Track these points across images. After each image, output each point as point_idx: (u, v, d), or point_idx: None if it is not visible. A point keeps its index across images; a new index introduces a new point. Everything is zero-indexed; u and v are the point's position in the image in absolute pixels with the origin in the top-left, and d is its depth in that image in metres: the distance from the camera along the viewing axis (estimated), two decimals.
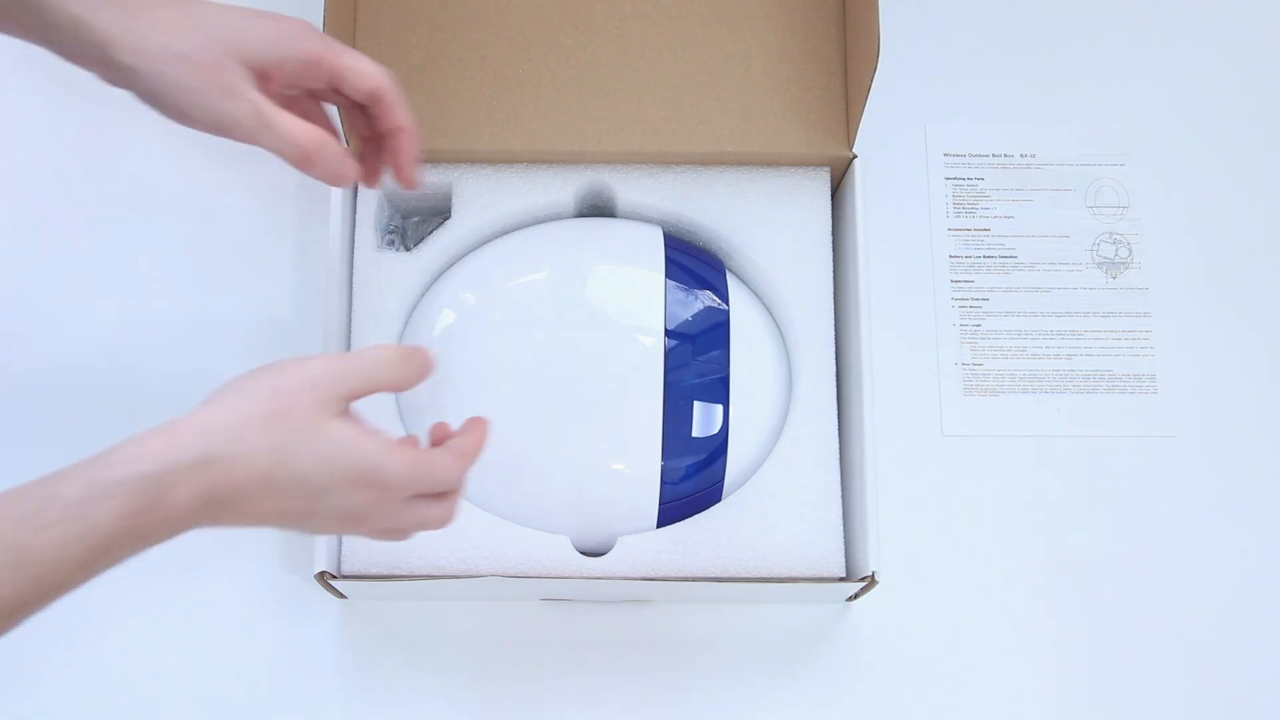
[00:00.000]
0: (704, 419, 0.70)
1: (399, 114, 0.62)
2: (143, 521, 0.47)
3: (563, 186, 0.76)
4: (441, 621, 0.75)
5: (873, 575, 0.67)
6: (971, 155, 0.86)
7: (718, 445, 0.70)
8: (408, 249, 0.76)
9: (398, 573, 0.70)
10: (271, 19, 0.59)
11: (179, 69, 0.55)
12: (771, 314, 0.76)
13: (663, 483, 0.69)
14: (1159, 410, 0.81)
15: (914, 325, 0.82)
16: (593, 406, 0.69)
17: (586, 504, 0.70)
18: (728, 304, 0.72)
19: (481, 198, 0.76)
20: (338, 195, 0.73)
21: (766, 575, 0.71)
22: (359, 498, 0.52)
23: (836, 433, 0.74)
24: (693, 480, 0.70)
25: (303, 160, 0.58)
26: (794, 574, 0.71)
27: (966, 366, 0.81)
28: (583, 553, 0.71)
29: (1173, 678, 0.76)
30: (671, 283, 0.71)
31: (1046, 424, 0.80)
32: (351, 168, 0.60)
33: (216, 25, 0.57)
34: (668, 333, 0.70)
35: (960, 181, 0.85)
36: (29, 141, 0.84)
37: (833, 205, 0.78)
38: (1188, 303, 0.83)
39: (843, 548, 0.72)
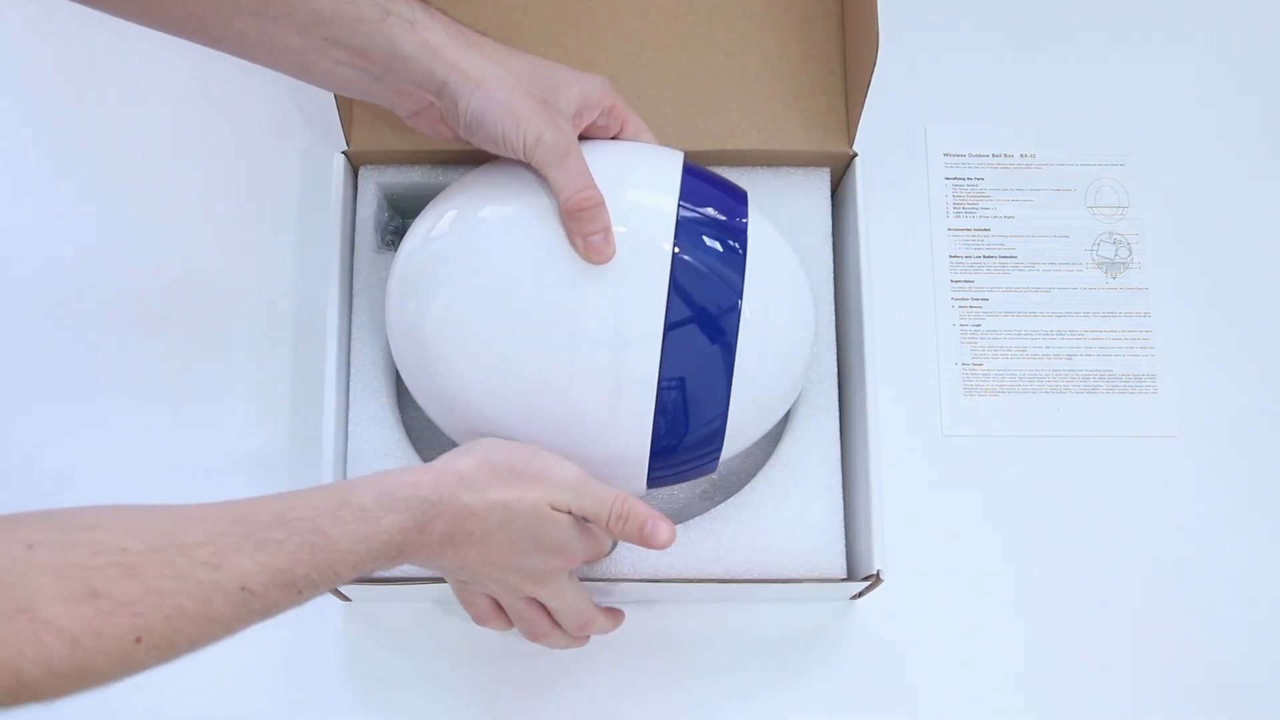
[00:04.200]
0: (707, 347, 0.64)
1: None
2: (412, 540, 0.56)
3: None
4: (445, 624, 0.75)
5: (877, 574, 0.67)
6: (971, 155, 0.86)
7: (721, 374, 0.64)
8: None
9: (401, 575, 0.70)
10: (579, 71, 0.66)
11: (511, 93, 0.62)
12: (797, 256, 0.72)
13: (658, 412, 0.63)
14: (1159, 410, 0.81)
15: (914, 325, 0.82)
16: (590, 325, 0.63)
17: (578, 426, 0.64)
18: (744, 237, 0.66)
19: None
20: (337, 196, 0.73)
21: (769, 575, 0.71)
22: (550, 562, 0.61)
23: (838, 432, 0.74)
24: (693, 416, 0.65)
25: (573, 207, 0.62)
26: (797, 574, 0.71)
27: (966, 366, 0.82)
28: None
29: (1173, 677, 0.76)
30: (685, 206, 0.65)
31: (1046, 424, 0.80)
32: (608, 247, 0.63)
33: (541, 66, 0.65)
34: (675, 256, 0.63)
35: (960, 181, 0.85)
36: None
37: (833, 203, 0.78)
38: (1188, 303, 0.83)
39: (844, 548, 0.72)
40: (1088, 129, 0.86)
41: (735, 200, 0.67)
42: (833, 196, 0.78)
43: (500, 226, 0.65)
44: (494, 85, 0.62)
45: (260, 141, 0.83)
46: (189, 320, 0.80)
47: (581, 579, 0.67)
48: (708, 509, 0.73)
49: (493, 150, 0.64)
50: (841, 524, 0.72)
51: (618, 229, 0.62)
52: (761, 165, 0.77)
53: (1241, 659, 0.76)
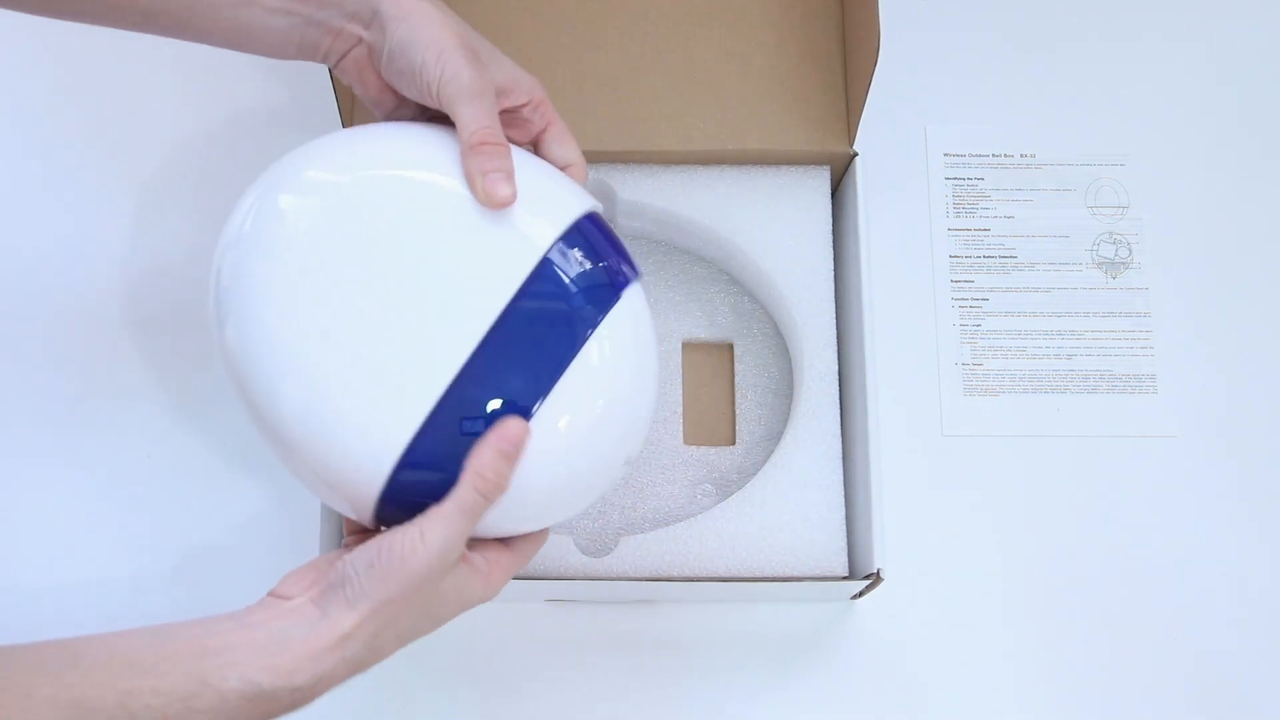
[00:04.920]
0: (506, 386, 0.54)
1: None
2: (296, 703, 0.51)
3: None
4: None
5: (878, 573, 0.67)
6: (971, 155, 0.86)
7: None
8: None
9: None
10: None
11: (441, 30, 0.58)
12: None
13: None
14: (1159, 410, 0.81)
15: (914, 325, 0.82)
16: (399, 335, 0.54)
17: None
18: (605, 307, 0.56)
19: None
20: None
21: (770, 574, 0.71)
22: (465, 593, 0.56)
23: (839, 431, 0.73)
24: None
25: (476, 140, 0.56)
26: (798, 573, 0.71)
27: (966, 366, 0.81)
28: (585, 553, 0.70)
29: (1173, 677, 0.76)
30: (561, 246, 0.56)
31: (1046, 424, 0.80)
32: (508, 187, 0.56)
33: (481, 37, 0.61)
34: (523, 288, 0.54)
35: (960, 181, 0.85)
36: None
37: (833, 203, 0.78)
38: (1188, 303, 0.83)
39: (845, 546, 0.72)
40: (1088, 129, 0.86)
41: (617, 272, 0.58)
42: (833, 196, 0.78)
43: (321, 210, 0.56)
44: (425, 18, 0.59)
45: (257, 135, 0.84)
46: (178, 320, 0.80)
47: (586, 579, 0.67)
48: (708, 507, 0.72)
49: (406, 89, 0.59)
50: (843, 523, 0.72)
51: (481, 235, 0.55)
52: (761, 164, 0.77)
53: (1241, 658, 0.76)
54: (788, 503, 0.72)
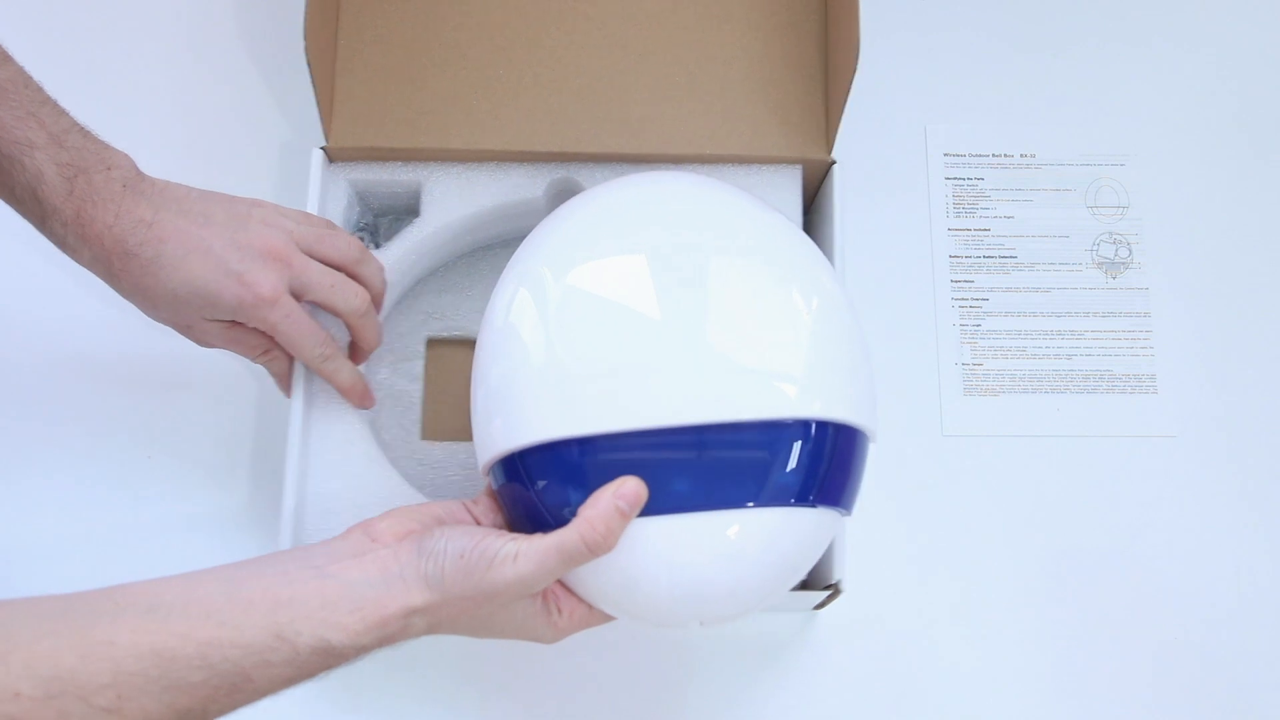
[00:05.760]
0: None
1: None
2: (360, 657, 0.52)
3: (533, 185, 0.74)
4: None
5: (837, 584, 0.66)
6: (971, 155, 0.86)
7: None
8: (378, 246, 0.75)
9: None
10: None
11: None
12: None
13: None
14: (1159, 410, 0.81)
15: (914, 325, 0.82)
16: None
17: None
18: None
19: (451, 196, 0.74)
20: (315, 190, 0.72)
21: None
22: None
23: None
24: None
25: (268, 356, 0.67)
26: None
27: (966, 366, 0.81)
28: None
29: (1172, 676, 0.76)
30: None
31: (1046, 424, 0.80)
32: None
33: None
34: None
35: (960, 181, 0.85)
36: None
37: (812, 210, 0.77)
38: (1188, 303, 0.83)
39: None
40: (1088, 129, 0.86)
41: (849, 497, 0.60)
42: (812, 204, 0.77)
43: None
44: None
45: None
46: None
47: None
48: None
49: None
50: None
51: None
52: (732, 163, 0.76)
53: (1241, 659, 0.76)
54: None
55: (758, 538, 0.54)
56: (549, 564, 0.52)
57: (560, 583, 0.57)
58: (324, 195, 0.74)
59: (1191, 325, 0.82)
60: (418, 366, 0.76)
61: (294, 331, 0.64)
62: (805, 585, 0.69)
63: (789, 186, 0.76)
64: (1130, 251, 0.84)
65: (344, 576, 0.52)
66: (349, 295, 0.66)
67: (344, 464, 0.70)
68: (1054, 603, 0.77)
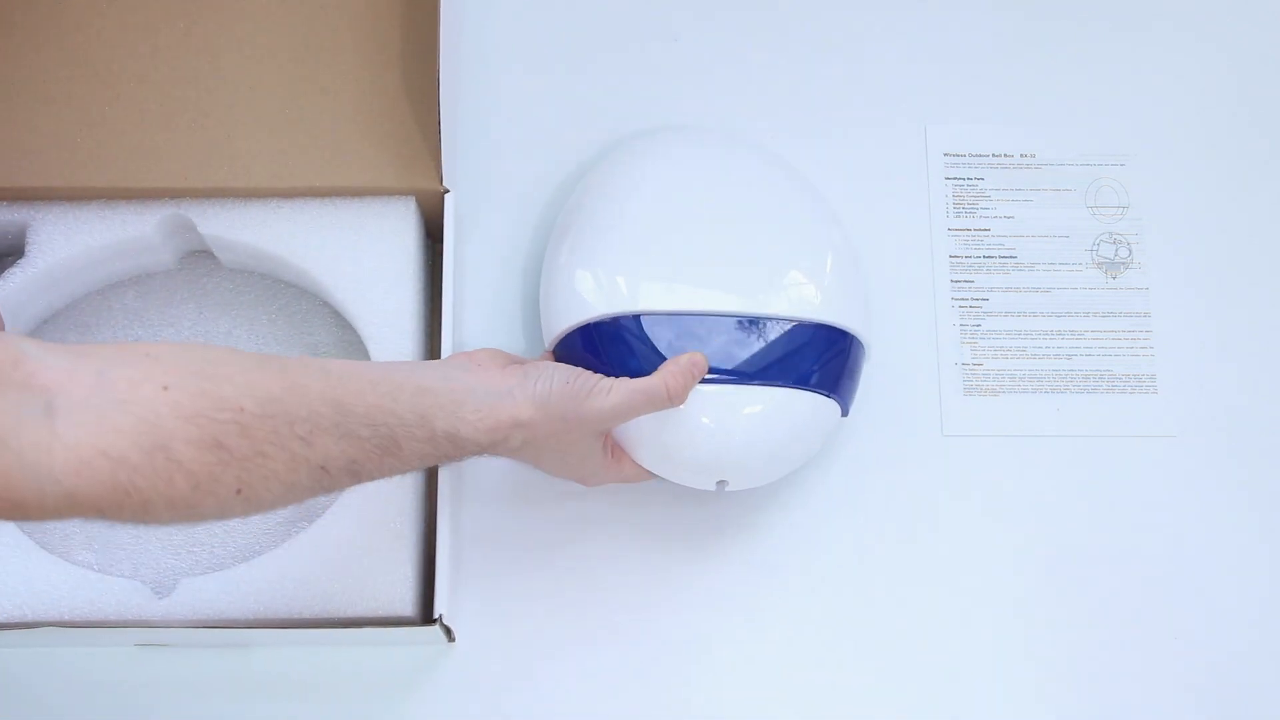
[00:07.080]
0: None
1: None
2: (472, 456, 0.61)
3: (141, 221, 0.73)
4: (32, 669, 0.71)
5: (439, 619, 0.66)
6: (971, 155, 0.86)
7: None
8: None
9: None
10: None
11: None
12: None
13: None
14: (1159, 410, 0.81)
15: (914, 325, 0.82)
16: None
17: None
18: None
19: (59, 235, 0.73)
20: None
21: (339, 617, 0.68)
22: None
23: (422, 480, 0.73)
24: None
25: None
26: (365, 615, 0.68)
27: (966, 366, 0.81)
28: (156, 593, 0.68)
29: (1172, 676, 0.76)
30: None
31: (1046, 424, 0.80)
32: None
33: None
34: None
35: (960, 181, 0.85)
36: None
37: (429, 239, 0.77)
38: (1188, 303, 0.83)
39: (415, 588, 0.69)
40: (1088, 129, 0.86)
41: (848, 393, 0.75)
42: (431, 234, 0.77)
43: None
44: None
45: None
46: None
47: (143, 626, 0.66)
48: (277, 544, 0.70)
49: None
50: (414, 564, 0.69)
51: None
52: (346, 196, 0.75)
53: (1241, 658, 0.76)
54: (355, 544, 0.69)
55: (773, 410, 0.69)
56: (635, 402, 0.64)
57: (616, 444, 0.69)
58: None
59: (1191, 325, 0.82)
60: None
61: None
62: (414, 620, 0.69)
63: (405, 216, 0.75)
64: (1130, 251, 0.84)
65: (467, 382, 0.60)
66: None
67: None
68: (1054, 602, 0.77)
